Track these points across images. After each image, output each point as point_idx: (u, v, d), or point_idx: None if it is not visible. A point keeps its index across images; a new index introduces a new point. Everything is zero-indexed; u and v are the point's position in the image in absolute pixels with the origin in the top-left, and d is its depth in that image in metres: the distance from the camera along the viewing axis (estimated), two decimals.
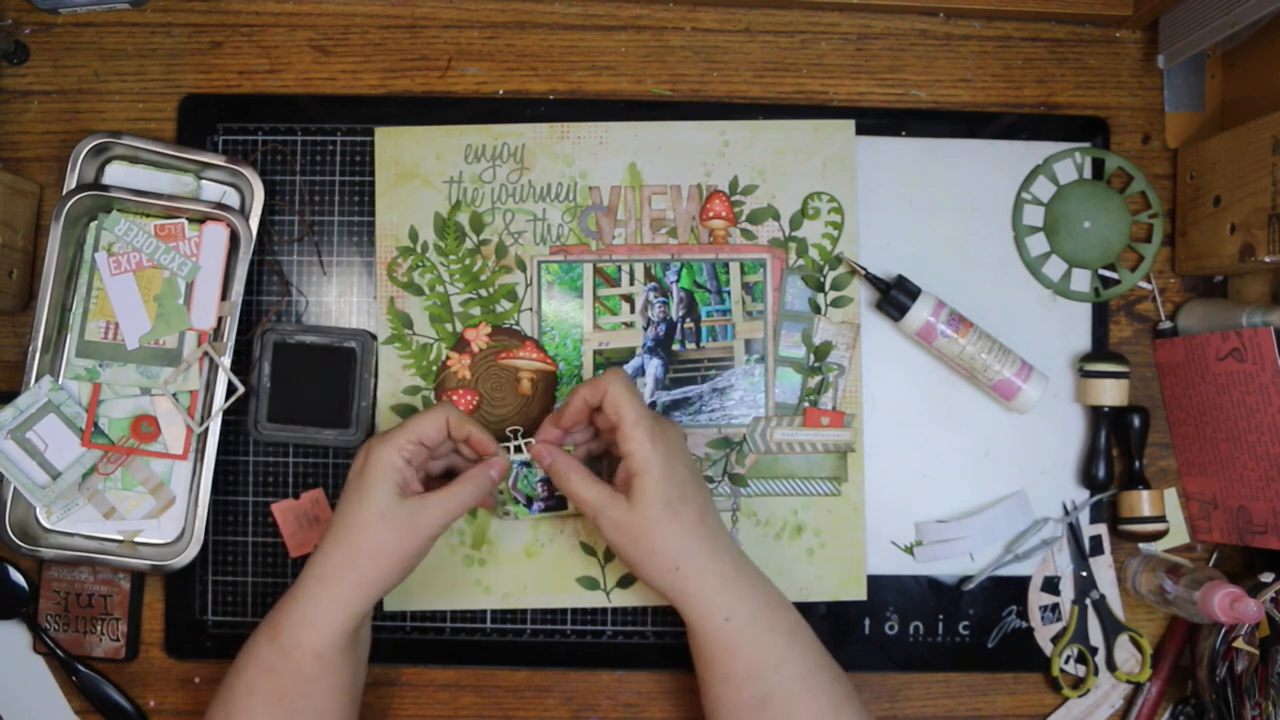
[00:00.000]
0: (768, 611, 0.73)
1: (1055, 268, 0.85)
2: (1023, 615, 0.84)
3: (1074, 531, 0.84)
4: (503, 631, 0.84)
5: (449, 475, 0.77)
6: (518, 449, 0.77)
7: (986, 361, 0.81)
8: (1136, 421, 0.83)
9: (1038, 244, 0.85)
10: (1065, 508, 0.84)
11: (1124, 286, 0.85)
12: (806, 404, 0.83)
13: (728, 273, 0.84)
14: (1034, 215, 0.85)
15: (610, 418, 0.73)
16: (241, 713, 0.70)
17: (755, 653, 0.71)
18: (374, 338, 0.83)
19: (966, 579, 0.83)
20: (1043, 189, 0.85)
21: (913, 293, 0.81)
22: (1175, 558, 0.82)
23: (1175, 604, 0.79)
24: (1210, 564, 0.85)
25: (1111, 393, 0.82)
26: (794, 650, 0.72)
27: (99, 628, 0.82)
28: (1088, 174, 0.85)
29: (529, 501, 0.80)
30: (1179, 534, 0.85)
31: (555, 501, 0.80)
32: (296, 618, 0.70)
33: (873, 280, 0.82)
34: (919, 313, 0.81)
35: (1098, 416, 0.83)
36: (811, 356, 0.84)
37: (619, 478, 0.74)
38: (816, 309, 0.84)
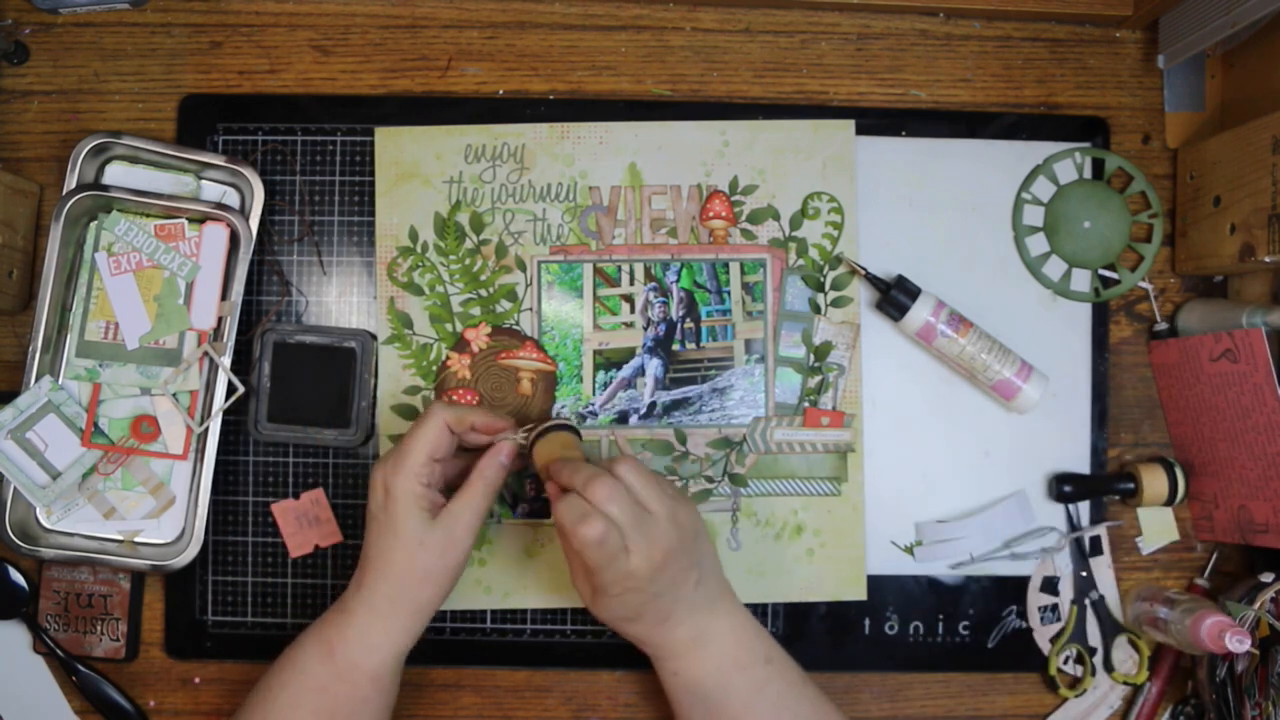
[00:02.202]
0: (727, 671, 0.73)
1: (1055, 268, 0.85)
2: (1022, 615, 0.84)
3: (1073, 527, 0.84)
4: (503, 631, 0.84)
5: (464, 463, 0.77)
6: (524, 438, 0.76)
7: (986, 361, 0.81)
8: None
9: (1038, 244, 0.85)
10: (1067, 509, 0.84)
11: (1124, 286, 0.85)
12: (806, 404, 0.83)
13: (728, 273, 0.84)
14: (1034, 215, 0.85)
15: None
16: None
17: (725, 697, 0.73)
18: (374, 338, 0.83)
19: (959, 564, 0.83)
20: (1043, 189, 0.85)
21: (913, 293, 0.81)
22: (1170, 590, 0.82)
23: (1169, 633, 0.79)
24: (1211, 564, 0.85)
25: None
26: (769, 689, 0.73)
27: (99, 628, 0.82)
28: (1088, 174, 0.85)
29: (514, 503, 0.80)
30: (1175, 532, 0.85)
31: (541, 505, 0.80)
32: (355, 642, 0.71)
33: (873, 280, 0.82)
34: (919, 313, 0.81)
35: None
36: (811, 356, 0.84)
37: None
38: (816, 309, 0.84)
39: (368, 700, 0.71)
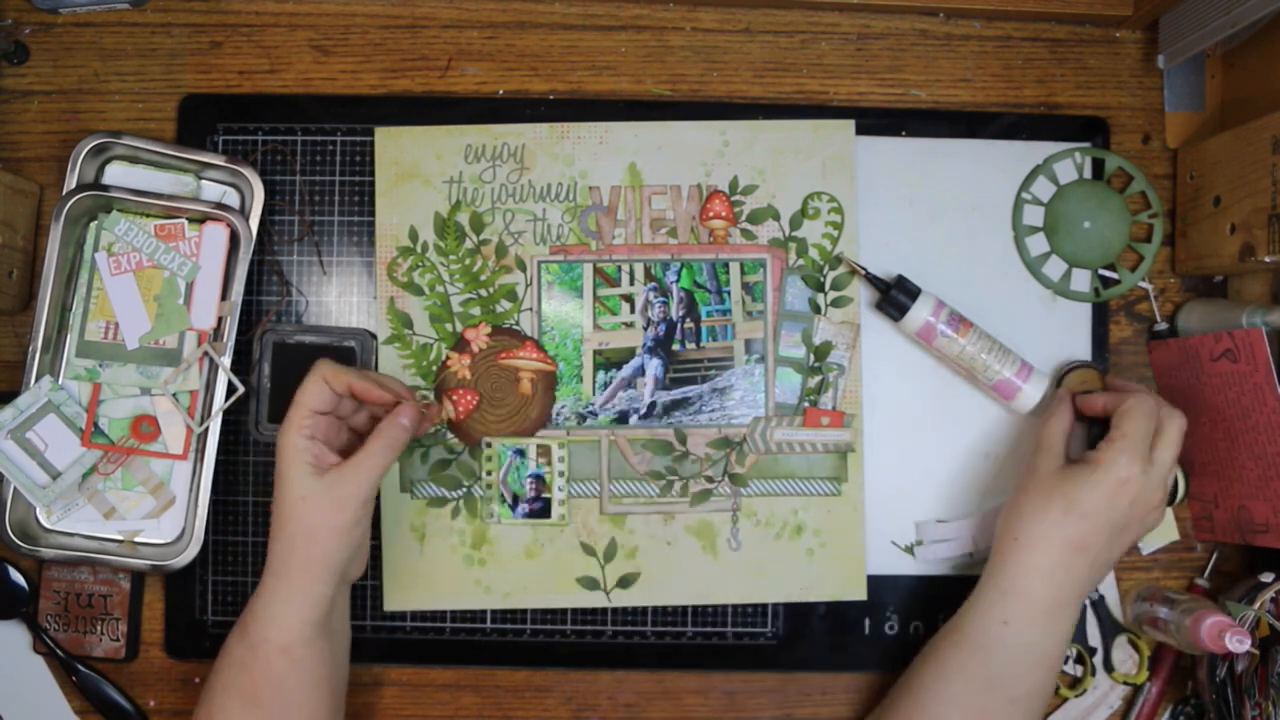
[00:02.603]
0: (1041, 654, 0.73)
1: (1055, 268, 0.85)
2: None
3: None
4: (503, 631, 0.84)
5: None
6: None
7: (986, 361, 0.81)
8: None
9: (1038, 244, 0.85)
10: None
11: (1124, 286, 0.85)
12: (806, 404, 0.83)
13: (728, 273, 0.84)
14: (1034, 215, 0.85)
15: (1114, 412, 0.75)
16: (219, 711, 0.71)
17: (1004, 674, 0.72)
18: (374, 337, 0.83)
19: (959, 564, 0.83)
20: (1043, 189, 0.85)
21: (912, 293, 0.81)
22: (1170, 590, 0.82)
23: (1169, 633, 0.79)
24: (1211, 564, 0.85)
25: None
26: (1033, 703, 0.74)
27: (99, 628, 0.82)
28: (1088, 174, 0.85)
29: (515, 502, 0.80)
30: (1175, 532, 0.85)
31: (542, 505, 0.80)
32: (260, 613, 0.70)
33: (873, 280, 0.82)
34: (919, 313, 0.81)
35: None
36: (811, 356, 0.84)
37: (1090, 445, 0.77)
38: (816, 309, 0.84)
39: (285, 675, 0.70)
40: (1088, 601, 0.84)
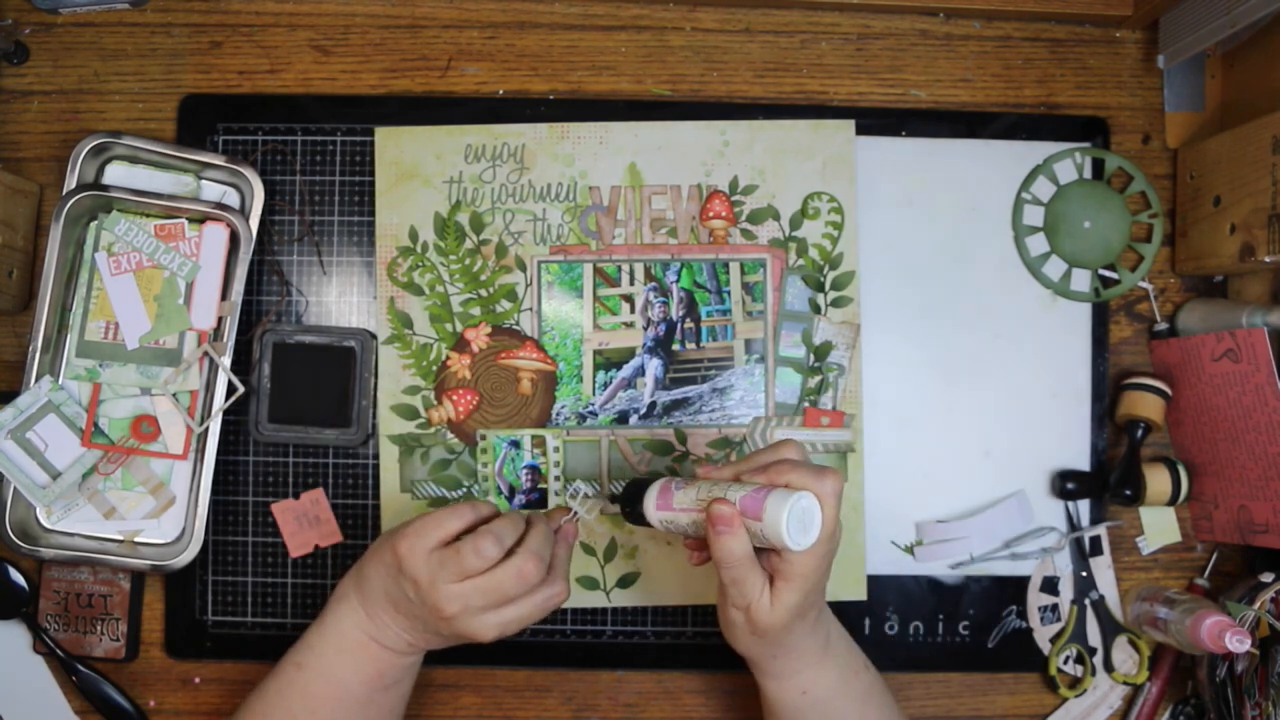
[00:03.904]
0: (844, 683, 0.72)
1: (1055, 268, 0.85)
2: (1022, 615, 0.84)
3: (1073, 527, 0.84)
4: None
5: None
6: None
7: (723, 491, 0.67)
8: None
9: (1038, 244, 0.85)
10: (1067, 509, 0.84)
11: (1124, 286, 0.85)
12: (806, 404, 0.83)
13: (728, 273, 0.84)
14: (1034, 215, 0.85)
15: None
16: None
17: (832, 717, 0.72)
18: (374, 337, 0.83)
19: (959, 564, 0.83)
20: (1043, 189, 0.85)
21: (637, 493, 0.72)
22: (1170, 590, 0.82)
23: (1169, 633, 0.79)
24: (1211, 564, 0.85)
25: (1154, 407, 0.82)
26: (868, 704, 0.73)
27: (99, 628, 0.82)
28: (1088, 174, 0.85)
29: (511, 493, 0.81)
30: (1177, 533, 0.85)
31: (539, 496, 0.81)
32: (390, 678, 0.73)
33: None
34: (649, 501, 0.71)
35: (1133, 430, 0.83)
36: (811, 356, 0.84)
37: (766, 562, 0.66)
38: (816, 309, 0.84)
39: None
40: (1088, 601, 0.84)
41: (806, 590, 0.65)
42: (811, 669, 0.71)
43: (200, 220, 0.82)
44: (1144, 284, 0.86)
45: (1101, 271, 0.85)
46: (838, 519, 0.65)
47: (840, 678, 0.72)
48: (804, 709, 0.72)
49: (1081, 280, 0.85)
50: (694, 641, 0.84)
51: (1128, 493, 0.82)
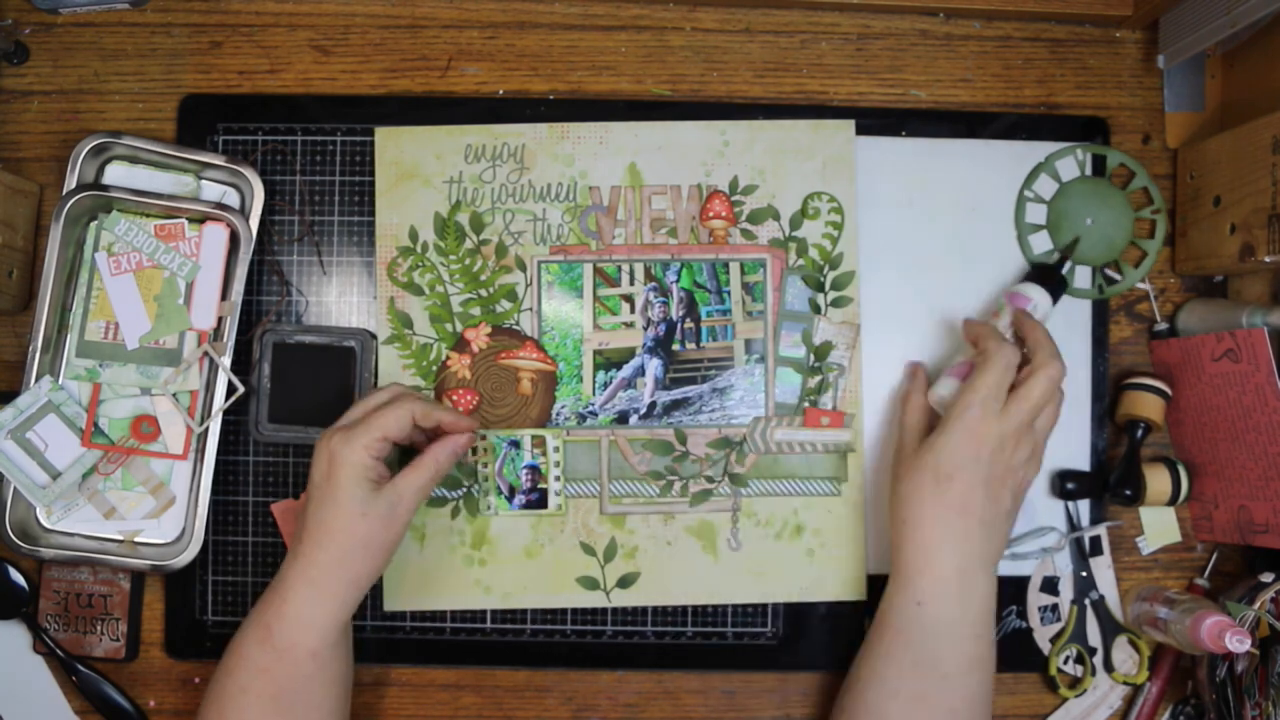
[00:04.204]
0: (961, 625, 0.72)
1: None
2: (1022, 615, 0.84)
3: (1073, 527, 0.84)
4: (503, 631, 0.84)
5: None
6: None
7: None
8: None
9: (1041, 242, 0.85)
10: (1067, 509, 0.84)
11: (1128, 282, 0.85)
12: (806, 404, 0.83)
13: (728, 273, 0.84)
14: (1036, 213, 0.85)
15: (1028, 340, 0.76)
16: (235, 712, 0.71)
17: (928, 653, 0.72)
18: (374, 337, 0.83)
19: None
20: (1045, 187, 0.85)
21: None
22: (1170, 590, 0.82)
23: (1169, 633, 0.79)
24: (1211, 564, 0.85)
25: (1154, 407, 0.82)
26: (969, 676, 0.72)
27: (99, 628, 0.82)
28: (1089, 171, 0.85)
29: (510, 493, 0.81)
30: (1177, 533, 0.85)
31: (538, 496, 0.81)
32: (292, 619, 0.71)
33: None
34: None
35: (1133, 430, 0.83)
36: (811, 356, 0.84)
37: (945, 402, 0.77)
38: (816, 309, 0.84)
39: (311, 677, 0.71)
40: (1088, 601, 0.84)
41: (948, 449, 0.72)
42: (930, 577, 0.72)
43: (200, 220, 0.82)
44: (1142, 284, 0.86)
45: (1105, 270, 0.85)
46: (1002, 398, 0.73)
47: (960, 617, 0.72)
48: (913, 624, 0.72)
49: (1084, 278, 0.85)
50: (694, 641, 0.84)
51: (1128, 493, 0.82)
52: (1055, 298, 0.81)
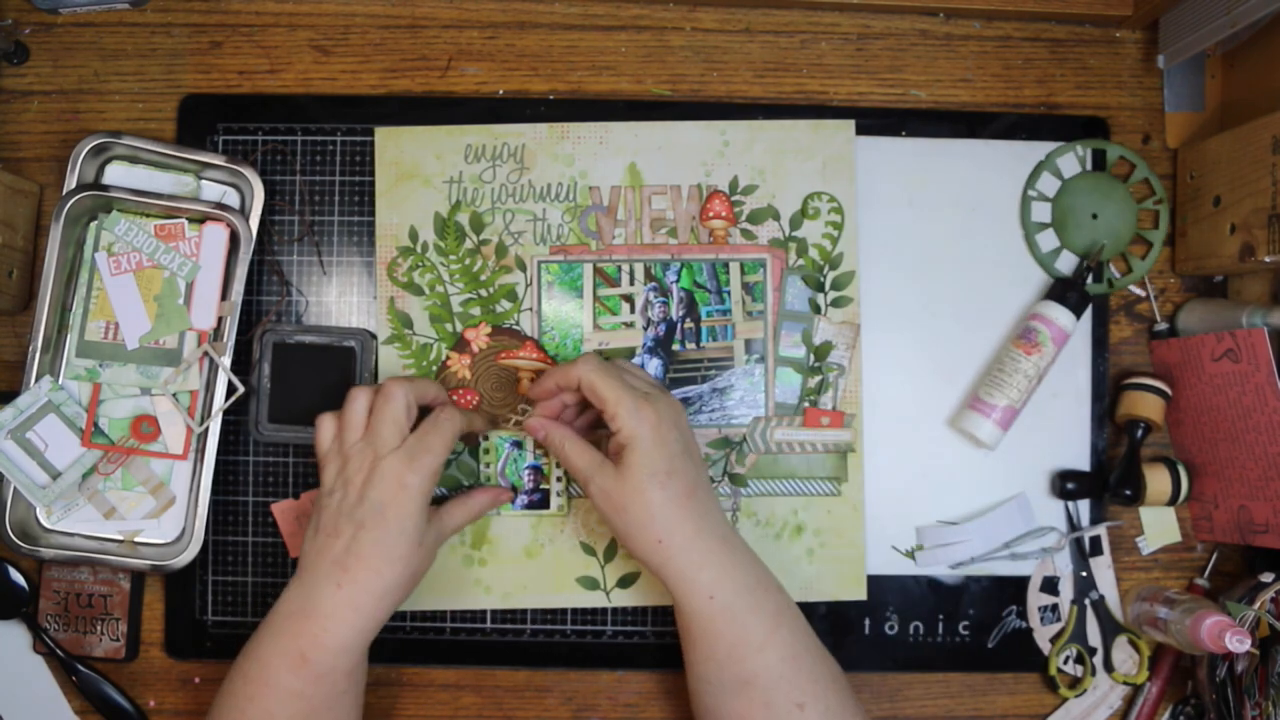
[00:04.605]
0: (753, 592, 0.72)
1: (1066, 262, 0.85)
2: (1022, 615, 0.84)
3: (1073, 527, 0.84)
4: (503, 631, 0.84)
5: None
6: (516, 423, 0.81)
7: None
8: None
9: (1048, 240, 0.85)
10: (1067, 509, 0.84)
11: (1136, 275, 0.85)
12: (806, 404, 0.83)
13: (728, 273, 0.84)
14: (1041, 211, 0.85)
15: (593, 401, 0.73)
16: None
17: (738, 634, 0.71)
18: (374, 337, 0.83)
19: (959, 564, 0.83)
20: (1048, 184, 0.85)
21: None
22: (1170, 590, 0.82)
23: (1169, 633, 0.79)
24: (1211, 564, 0.85)
25: (1154, 407, 0.82)
26: (779, 633, 0.72)
27: (99, 628, 0.82)
28: (1089, 166, 0.85)
29: (513, 493, 0.81)
30: (1177, 533, 0.85)
31: (540, 497, 0.81)
32: (333, 649, 0.69)
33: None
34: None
35: (1133, 430, 0.83)
36: (811, 356, 0.84)
37: (611, 449, 0.74)
38: (816, 309, 0.84)
39: (345, 693, 0.71)
40: (1088, 601, 0.84)
41: (653, 451, 0.71)
42: (710, 567, 0.71)
43: (200, 220, 0.82)
44: (1136, 289, 0.86)
45: (1111, 270, 0.85)
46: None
47: (746, 581, 0.72)
48: (716, 617, 0.71)
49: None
50: None
51: (1128, 493, 0.82)
52: (1078, 314, 0.81)
